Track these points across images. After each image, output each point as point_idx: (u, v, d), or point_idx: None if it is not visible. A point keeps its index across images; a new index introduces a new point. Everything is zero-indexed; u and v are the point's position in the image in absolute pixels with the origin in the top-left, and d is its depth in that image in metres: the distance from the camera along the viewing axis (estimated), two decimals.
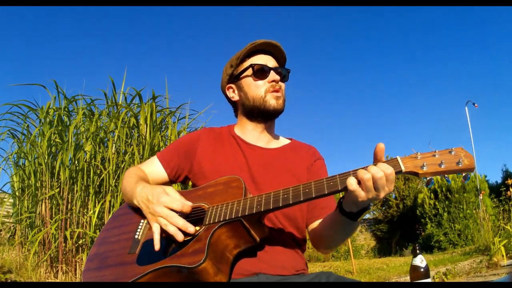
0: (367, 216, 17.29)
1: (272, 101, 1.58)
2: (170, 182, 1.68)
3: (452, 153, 1.13)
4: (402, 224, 14.37)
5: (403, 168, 1.14)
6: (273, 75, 1.60)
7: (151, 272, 1.21)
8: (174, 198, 1.29)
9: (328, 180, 1.22)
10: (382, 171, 1.11)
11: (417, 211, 11.83)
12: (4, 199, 4.79)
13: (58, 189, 4.26)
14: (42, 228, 4.12)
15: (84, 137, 4.61)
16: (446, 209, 10.81)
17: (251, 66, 1.61)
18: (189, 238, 1.25)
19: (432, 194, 11.40)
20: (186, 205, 1.28)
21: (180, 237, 1.22)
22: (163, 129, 5.44)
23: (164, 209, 1.26)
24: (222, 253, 1.24)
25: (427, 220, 11.21)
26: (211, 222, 1.27)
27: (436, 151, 1.16)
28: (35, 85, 4.79)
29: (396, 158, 1.16)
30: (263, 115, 1.62)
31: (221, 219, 1.25)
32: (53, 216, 4.22)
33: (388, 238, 15.38)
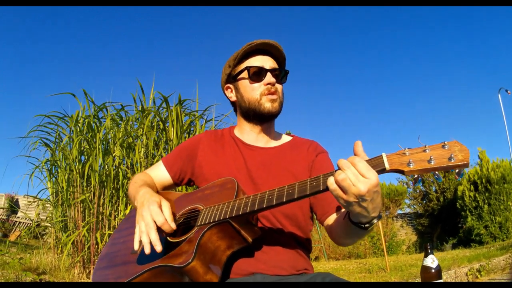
0: (407, 210, 16.90)
1: (267, 104, 1.57)
2: (175, 185, 1.72)
3: (446, 148, 1.03)
4: (443, 217, 13.96)
5: (387, 166, 1.06)
6: (269, 78, 1.58)
7: (147, 271, 1.26)
8: (160, 212, 1.30)
9: (312, 180, 1.18)
10: (357, 170, 1.04)
11: (457, 203, 11.45)
12: (46, 205, 5.02)
13: (89, 193, 4.44)
14: (75, 231, 4.31)
15: (112, 142, 4.77)
16: (486, 201, 10.40)
17: (247, 68, 1.59)
18: (183, 238, 1.30)
19: (472, 186, 11.00)
20: (167, 224, 1.28)
21: (147, 250, 1.24)
22: (191, 131, 5.52)
23: (149, 217, 1.28)
24: (213, 254, 1.26)
25: (467, 213, 10.84)
26: (203, 223, 1.30)
27: (427, 146, 1.06)
28: (65, 94, 4.99)
29: (381, 155, 1.09)
30: (259, 118, 1.61)
31: (211, 221, 1.28)
32: (85, 219, 4.41)
33: (430, 232, 14.97)
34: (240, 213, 1.24)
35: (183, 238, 1.30)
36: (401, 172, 1.05)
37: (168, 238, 1.35)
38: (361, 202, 1.06)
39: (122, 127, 4.95)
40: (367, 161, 1.09)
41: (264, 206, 1.22)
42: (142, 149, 4.83)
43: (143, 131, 4.82)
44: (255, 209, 1.23)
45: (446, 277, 4.76)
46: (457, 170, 1.02)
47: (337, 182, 1.06)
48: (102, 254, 1.54)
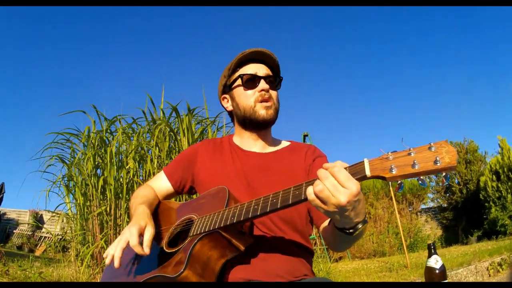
0: (431, 204, 16.58)
1: (261, 111, 1.59)
2: (176, 193, 1.76)
3: (432, 149, 0.96)
4: (467, 210, 13.69)
5: (368, 173, 1.01)
6: (262, 84, 1.60)
7: (145, 281, 1.31)
8: (136, 235, 1.34)
9: (295, 189, 1.17)
10: (336, 180, 1.01)
11: (481, 195, 11.23)
12: (71, 219, 5.12)
13: (105, 206, 4.54)
14: (94, 243, 4.42)
15: (125, 155, 4.86)
16: (509, 190, 10.17)
17: (240, 76, 1.62)
18: (177, 249, 1.34)
19: (494, 176, 10.76)
20: (138, 247, 1.32)
21: (107, 261, 1.33)
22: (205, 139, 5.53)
23: (125, 236, 1.34)
24: (206, 263, 1.29)
25: (491, 203, 10.63)
26: (195, 233, 1.33)
27: (411, 148, 0.99)
28: (76, 112, 5.11)
29: (363, 161, 1.04)
30: (254, 125, 1.63)
31: (202, 231, 1.31)
32: (103, 231, 4.51)
33: (455, 225, 14.69)
34: (228, 224, 1.27)
35: (177, 248, 1.34)
36: (383, 178, 1.00)
37: (165, 248, 1.40)
38: (342, 212, 1.04)
39: (135, 140, 5.04)
40: (348, 167, 1.06)
41: (250, 216, 1.24)
42: (155, 159, 4.90)
43: (154, 142, 4.89)
44: (241, 219, 1.25)
45: (467, 272, 4.69)
46: (444, 174, 0.96)
47: (315, 193, 1.04)
48: (107, 266, 1.60)
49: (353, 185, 1.00)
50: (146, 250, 1.33)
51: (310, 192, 1.06)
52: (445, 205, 15.22)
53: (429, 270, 1.80)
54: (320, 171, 1.05)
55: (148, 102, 5.42)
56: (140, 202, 1.58)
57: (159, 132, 4.92)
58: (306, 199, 1.10)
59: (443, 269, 1.79)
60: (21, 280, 3.93)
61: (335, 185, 1.01)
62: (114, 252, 1.32)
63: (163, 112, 5.31)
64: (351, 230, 1.14)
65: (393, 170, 0.98)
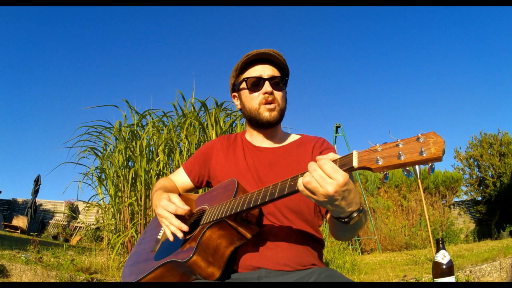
0: (464, 197, 16.17)
1: (265, 114, 1.66)
2: (195, 188, 1.89)
3: (420, 140, 0.96)
4: (501, 203, 13.31)
5: (355, 164, 1.05)
6: (266, 87, 1.65)
7: (160, 266, 1.44)
8: (170, 203, 1.47)
9: (291, 180, 1.22)
10: (323, 172, 1.07)
11: None
12: (103, 209, 5.37)
13: (135, 197, 4.76)
14: (125, 232, 4.65)
15: (155, 148, 5.05)
16: None
17: (245, 80, 1.70)
18: (189, 237, 1.46)
19: None
20: (179, 208, 1.45)
21: (179, 235, 1.41)
22: (234, 131, 5.66)
23: (164, 211, 1.46)
24: (215, 250, 1.39)
25: None
26: (205, 222, 1.45)
27: (399, 140, 1.01)
28: (108, 106, 5.35)
29: (351, 153, 1.08)
30: (260, 126, 1.71)
31: (210, 220, 1.42)
32: (133, 220, 4.74)
33: (488, 219, 14.31)
34: (233, 213, 1.36)
35: (189, 236, 1.46)
36: (369, 169, 1.03)
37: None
38: (332, 202, 1.10)
39: (165, 133, 5.22)
40: (338, 159, 1.11)
41: (251, 205, 1.32)
42: (185, 152, 5.06)
43: (184, 135, 5.05)
44: (244, 208, 1.34)
45: (491, 268, 4.64)
46: (429, 164, 0.98)
47: (303, 185, 1.11)
48: (131, 253, 1.77)
49: (340, 176, 1.06)
50: (185, 207, 1.46)
51: (299, 183, 1.13)
52: (479, 198, 14.84)
53: (436, 265, 1.83)
54: (310, 163, 1.11)
55: (178, 97, 5.56)
56: (158, 189, 1.72)
57: (189, 125, 5.08)
58: (298, 190, 1.16)
59: (450, 264, 1.82)
60: (54, 267, 4.18)
61: (322, 177, 1.07)
62: (173, 227, 1.41)
63: (193, 107, 5.48)
64: (346, 219, 1.19)
65: (379, 161, 1.01)
